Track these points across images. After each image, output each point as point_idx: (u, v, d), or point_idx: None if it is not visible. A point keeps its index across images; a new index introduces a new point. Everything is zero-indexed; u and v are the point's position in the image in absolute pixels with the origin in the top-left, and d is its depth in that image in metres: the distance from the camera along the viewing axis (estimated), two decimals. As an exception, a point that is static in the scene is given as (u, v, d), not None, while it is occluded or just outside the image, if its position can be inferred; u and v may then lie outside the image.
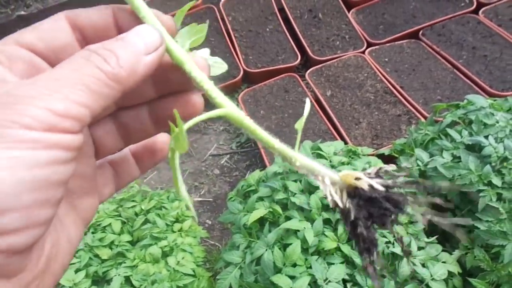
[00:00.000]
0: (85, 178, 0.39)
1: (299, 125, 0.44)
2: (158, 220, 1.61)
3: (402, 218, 1.36)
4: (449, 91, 2.43)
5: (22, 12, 3.51)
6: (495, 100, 1.74)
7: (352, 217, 0.37)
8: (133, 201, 1.72)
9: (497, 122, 1.56)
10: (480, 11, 2.81)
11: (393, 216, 0.38)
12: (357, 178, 0.37)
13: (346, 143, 2.20)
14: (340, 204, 0.37)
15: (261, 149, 2.31)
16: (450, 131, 1.60)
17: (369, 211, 0.37)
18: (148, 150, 0.45)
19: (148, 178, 2.56)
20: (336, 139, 2.20)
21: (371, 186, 0.37)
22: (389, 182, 0.37)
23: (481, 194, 1.39)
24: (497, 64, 2.50)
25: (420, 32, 2.78)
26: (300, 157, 0.39)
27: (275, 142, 0.40)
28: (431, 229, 1.61)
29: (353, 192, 0.38)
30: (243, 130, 0.40)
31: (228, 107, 0.39)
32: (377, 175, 0.38)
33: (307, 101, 0.53)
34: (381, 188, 0.37)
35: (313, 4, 3.09)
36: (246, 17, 3.09)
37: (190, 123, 0.39)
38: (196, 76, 0.38)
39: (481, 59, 2.55)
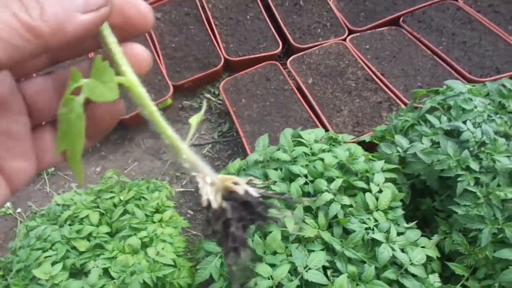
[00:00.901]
0: (13, 137, 0.35)
1: (195, 120, 0.45)
2: (137, 211, 1.58)
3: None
4: (429, 78, 2.44)
5: None
6: (473, 86, 1.75)
7: (228, 216, 0.39)
8: (111, 192, 1.68)
9: (475, 107, 1.57)
10: (460, -2, 2.82)
11: (261, 221, 0.42)
12: (235, 183, 0.40)
13: (327, 130, 2.20)
14: (214, 204, 0.39)
15: (242, 138, 2.29)
16: (429, 117, 1.60)
17: (241, 214, 0.40)
18: (95, 119, 0.40)
19: (128, 169, 2.52)
20: (318, 127, 2.20)
21: (246, 192, 0.40)
22: (261, 191, 0.41)
23: (459, 179, 1.40)
24: (476, 50, 2.52)
25: (401, 19, 2.78)
26: (187, 151, 0.39)
27: (168, 129, 0.38)
28: (411, 215, 1.63)
29: (228, 195, 0.40)
30: (143, 110, 0.36)
31: (132, 78, 0.35)
32: (249, 184, 0.41)
33: (204, 103, 0.54)
34: (256, 194, 0.40)
35: (294, -9, 3.06)
36: (226, 4, 3.04)
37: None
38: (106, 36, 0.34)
39: (460, 45, 2.57)
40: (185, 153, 0.39)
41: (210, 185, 0.39)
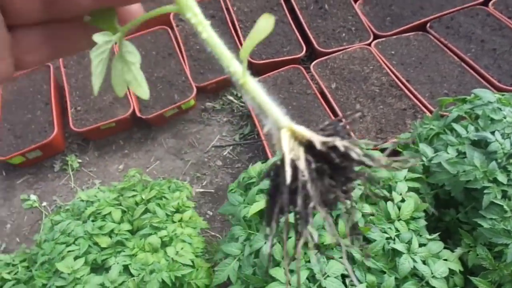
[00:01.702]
0: None
1: (244, 55, 0.33)
2: (158, 210, 1.60)
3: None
4: (456, 85, 2.39)
5: None
6: (503, 95, 1.70)
7: (308, 176, 0.30)
8: (133, 190, 1.71)
9: (505, 117, 1.53)
10: (490, 3, 2.75)
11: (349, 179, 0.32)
12: (303, 142, 0.31)
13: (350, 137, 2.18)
14: (290, 156, 0.30)
15: (264, 141, 2.29)
16: (455, 126, 1.57)
17: (322, 170, 0.31)
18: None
19: (150, 168, 2.55)
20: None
21: (328, 144, 0.30)
22: (345, 143, 0.31)
23: (485, 191, 1.36)
24: (507, 58, 2.45)
25: (428, 25, 2.73)
26: (250, 81, 0.32)
27: (231, 58, 0.32)
28: (433, 226, 1.59)
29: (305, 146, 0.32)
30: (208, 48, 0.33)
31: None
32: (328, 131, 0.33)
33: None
34: (340, 146, 0.31)
35: (320, -5, 3.04)
36: (251, 7, 3.05)
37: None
38: None
39: (490, 52, 2.51)
40: (248, 83, 0.32)
41: (283, 131, 0.31)
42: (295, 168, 0.30)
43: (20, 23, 0.34)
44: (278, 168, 0.31)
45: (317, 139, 0.31)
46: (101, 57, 0.35)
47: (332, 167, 0.31)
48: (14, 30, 0.34)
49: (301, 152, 0.31)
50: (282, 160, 0.31)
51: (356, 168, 0.32)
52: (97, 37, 0.34)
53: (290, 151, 0.30)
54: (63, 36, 0.37)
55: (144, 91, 0.38)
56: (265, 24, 0.30)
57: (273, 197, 0.32)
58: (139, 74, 0.38)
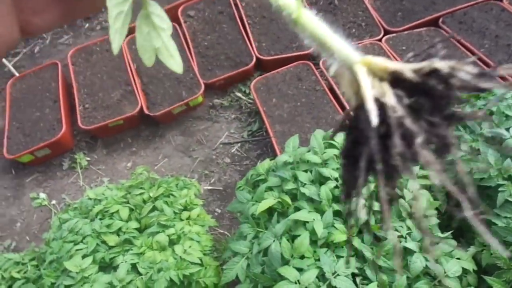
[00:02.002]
0: None
1: None
2: (165, 208, 1.59)
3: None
4: (469, 81, 2.34)
5: None
6: (518, 91, 1.66)
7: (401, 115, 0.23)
8: (141, 188, 1.70)
9: (520, 113, 1.49)
10: (504, -2, 2.69)
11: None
12: (391, 75, 0.24)
13: (359, 133, 2.15)
14: (372, 95, 0.23)
15: (272, 138, 2.27)
16: (469, 122, 1.53)
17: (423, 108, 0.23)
18: None
19: (158, 165, 2.55)
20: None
21: (416, 72, 0.23)
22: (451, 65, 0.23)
23: (500, 189, 1.33)
24: (521, 53, 2.40)
25: (440, 20, 2.67)
26: (306, 14, 0.26)
27: None
28: (446, 224, 1.56)
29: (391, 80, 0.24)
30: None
31: None
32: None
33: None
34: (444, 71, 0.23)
35: (329, -10, 3.00)
36: (260, 2, 3.02)
37: None
38: None
39: (504, 48, 2.45)
40: (298, 15, 0.26)
41: (357, 66, 0.24)
42: (381, 107, 0.23)
43: None
44: (357, 115, 0.24)
45: (407, 67, 0.23)
46: (120, 8, 0.30)
47: (432, 101, 0.23)
48: None
49: (386, 87, 0.24)
50: (361, 106, 0.24)
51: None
52: None
53: (372, 88, 0.24)
54: None
55: (177, 63, 0.34)
56: None
57: (352, 154, 0.25)
58: (170, 43, 0.34)
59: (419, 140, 0.22)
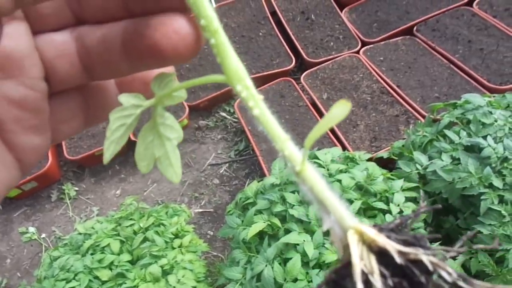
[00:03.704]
0: (28, 107, 0.29)
1: (309, 143, 0.28)
2: (157, 238, 1.59)
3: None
4: (446, 88, 2.40)
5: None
6: (493, 96, 1.71)
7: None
8: (131, 219, 1.70)
9: (496, 121, 1.53)
10: (474, 3, 2.77)
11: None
12: (377, 251, 0.26)
13: (344, 147, 2.18)
14: (360, 267, 0.25)
15: (259, 157, 2.29)
16: (448, 132, 1.57)
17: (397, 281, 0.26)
18: (138, 80, 0.33)
19: (148, 191, 2.54)
20: (334, 143, 2.18)
21: (398, 251, 0.25)
22: (433, 259, 0.26)
23: (482, 197, 1.36)
24: (494, 57, 2.47)
25: (415, 28, 2.74)
26: (309, 169, 0.28)
27: (286, 140, 0.29)
28: (433, 233, 1.59)
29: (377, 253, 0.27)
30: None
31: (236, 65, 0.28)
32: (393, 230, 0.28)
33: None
34: (427, 263, 0.25)
35: (305, 6, 3.06)
36: (238, 22, 3.07)
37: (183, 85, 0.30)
38: None
39: (477, 52, 2.52)
40: (306, 171, 0.28)
41: (350, 233, 0.26)
42: (367, 282, 0.25)
43: (59, 89, 0.32)
44: (342, 277, 0.26)
45: (394, 248, 0.25)
46: (123, 121, 0.30)
47: (410, 284, 0.25)
48: (51, 99, 0.31)
49: (373, 263, 0.25)
50: (347, 268, 0.26)
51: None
52: (124, 98, 0.29)
53: (360, 260, 0.25)
54: (99, 103, 0.34)
55: (176, 174, 0.32)
56: (340, 111, 0.27)
57: None
58: (174, 153, 0.32)
59: None
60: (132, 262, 1.60)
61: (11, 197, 2.57)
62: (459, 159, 1.49)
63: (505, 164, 1.40)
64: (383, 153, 1.85)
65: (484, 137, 1.48)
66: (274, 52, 2.85)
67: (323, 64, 2.66)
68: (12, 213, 2.62)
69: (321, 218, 0.28)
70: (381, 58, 2.64)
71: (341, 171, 1.54)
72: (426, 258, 0.25)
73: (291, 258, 1.30)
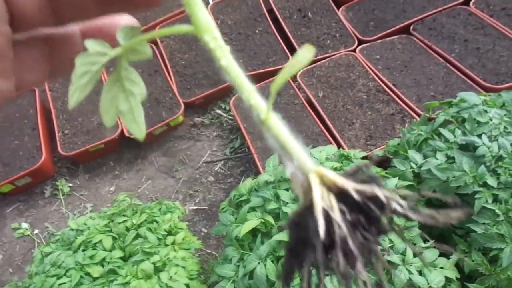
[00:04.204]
0: None
1: (274, 89, 0.29)
2: (149, 235, 1.58)
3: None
4: (442, 87, 2.39)
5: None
6: (489, 95, 1.71)
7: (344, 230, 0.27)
8: (124, 215, 1.68)
9: (491, 119, 1.53)
10: (471, 2, 2.77)
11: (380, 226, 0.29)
12: (336, 191, 0.29)
13: (339, 145, 2.17)
14: (321, 205, 0.27)
15: (254, 154, 2.28)
16: (443, 131, 1.56)
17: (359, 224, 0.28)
18: (104, 33, 0.33)
19: (142, 188, 2.53)
20: (330, 142, 2.17)
21: (356, 190, 0.28)
22: (388, 194, 0.29)
23: (476, 196, 1.36)
24: (490, 56, 2.47)
25: (411, 27, 2.74)
26: (273, 118, 0.29)
27: (252, 90, 0.30)
28: (427, 232, 1.58)
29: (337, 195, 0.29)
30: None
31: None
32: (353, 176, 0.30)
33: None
34: (383, 198, 0.28)
35: (302, 4, 3.05)
36: (235, 19, 3.05)
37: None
38: None
39: (473, 51, 2.52)
40: (270, 121, 0.29)
41: (312, 176, 0.27)
42: (328, 219, 0.27)
43: (26, 33, 0.31)
44: (304, 218, 0.28)
45: (352, 187, 0.28)
46: (88, 68, 0.29)
47: (366, 219, 0.28)
48: (15, 45, 0.31)
49: (333, 201, 0.27)
50: (308, 209, 0.27)
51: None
52: (90, 44, 0.29)
53: (321, 199, 0.27)
54: (64, 54, 0.33)
55: (139, 130, 0.32)
56: (305, 54, 0.28)
57: (296, 252, 0.29)
58: (137, 108, 0.32)
59: (359, 264, 0.27)
60: (124, 259, 1.59)
61: (4, 192, 2.55)
62: (453, 157, 1.48)
63: (500, 163, 1.39)
64: (378, 152, 1.85)
65: (479, 136, 1.48)
66: (271, 49, 2.84)
67: (319, 62, 2.65)
68: (5, 208, 2.60)
69: (284, 165, 0.29)
70: (378, 57, 2.64)
71: (335, 169, 1.53)
72: (380, 192, 0.27)
73: (283, 256, 1.29)
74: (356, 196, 0.27)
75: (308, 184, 0.28)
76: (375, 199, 0.27)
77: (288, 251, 0.29)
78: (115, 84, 0.31)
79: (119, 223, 1.65)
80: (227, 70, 0.29)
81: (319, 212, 0.27)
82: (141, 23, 0.34)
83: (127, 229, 1.64)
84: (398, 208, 0.27)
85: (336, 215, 0.27)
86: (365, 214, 0.27)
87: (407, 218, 0.28)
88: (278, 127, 0.29)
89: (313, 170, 0.28)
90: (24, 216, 2.56)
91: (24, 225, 2.52)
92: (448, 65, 2.48)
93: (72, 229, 1.66)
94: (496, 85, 2.28)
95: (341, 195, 0.28)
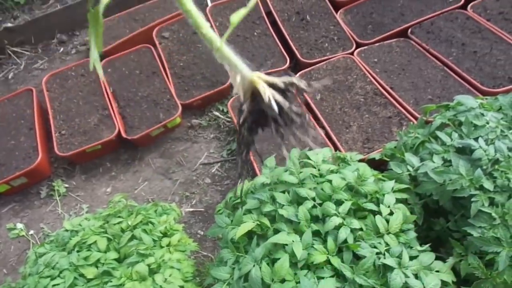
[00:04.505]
0: None
1: (236, 18, 0.56)
2: (144, 237, 1.57)
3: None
4: (439, 90, 2.39)
5: (9, 24, 3.47)
6: (486, 99, 1.71)
7: (245, 117, 0.57)
8: (119, 216, 1.67)
9: (487, 123, 1.53)
10: (469, 6, 2.78)
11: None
12: (270, 84, 0.58)
13: (336, 148, 2.17)
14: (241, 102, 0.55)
15: (251, 157, 2.27)
16: (440, 134, 1.56)
17: (258, 118, 0.57)
18: None
19: (138, 189, 2.52)
20: (326, 144, 2.17)
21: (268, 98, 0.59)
22: (286, 103, 0.61)
23: (473, 199, 1.35)
24: (487, 60, 2.47)
25: (409, 30, 2.74)
26: (224, 46, 0.49)
27: (208, 26, 0.48)
28: (424, 235, 1.58)
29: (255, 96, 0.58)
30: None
31: None
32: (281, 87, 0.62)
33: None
34: (276, 106, 0.56)
35: (301, 6, 3.06)
36: (233, 21, 3.05)
37: None
38: None
39: (471, 55, 2.52)
40: (221, 47, 0.47)
41: (255, 77, 0.49)
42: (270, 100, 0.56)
43: None
44: (252, 105, 0.53)
45: (279, 80, 0.52)
46: None
47: (290, 96, 0.54)
48: None
49: (272, 91, 0.49)
50: (255, 99, 0.53)
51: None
52: None
53: (267, 90, 0.48)
54: None
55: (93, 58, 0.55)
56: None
57: (248, 126, 0.56)
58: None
59: (306, 118, 0.60)
60: (119, 260, 1.58)
61: (-1, 193, 2.54)
62: (450, 161, 1.48)
63: (496, 166, 1.39)
64: (375, 155, 1.84)
65: (476, 139, 1.48)
66: (269, 52, 2.84)
67: (317, 65, 2.65)
68: (0, 208, 2.58)
69: (234, 78, 0.51)
70: (375, 60, 2.64)
71: (332, 172, 1.52)
72: (294, 79, 0.59)
73: (279, 259, 1.28)
74: (281, 84, 0.53)
75: (250, 84, 0.47)
76: (291, 84, 0.52)
77: (240, 127, 0.53)
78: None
79: (114, 224, 1.64)
80: (188, 13, 0.46)
81: (270, 95, 0.52)
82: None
83: (122, 231, 1.63)
84: (302, 85, 0.54)
85: (279, 98, 0.54)
86: (286, 96, 0.50)
87: (306, 91, 0.57)
88: (228, 52, 0.46)
89: (254, 75, 0.48)
90: (19, 216, 2.55)
91: (19, 225, 2.50)
92: (445, 68, 2.49)
93: (66, 230, 1.65)
94: (493, 89, 2.28)
95: (273, 85, 0.52)
